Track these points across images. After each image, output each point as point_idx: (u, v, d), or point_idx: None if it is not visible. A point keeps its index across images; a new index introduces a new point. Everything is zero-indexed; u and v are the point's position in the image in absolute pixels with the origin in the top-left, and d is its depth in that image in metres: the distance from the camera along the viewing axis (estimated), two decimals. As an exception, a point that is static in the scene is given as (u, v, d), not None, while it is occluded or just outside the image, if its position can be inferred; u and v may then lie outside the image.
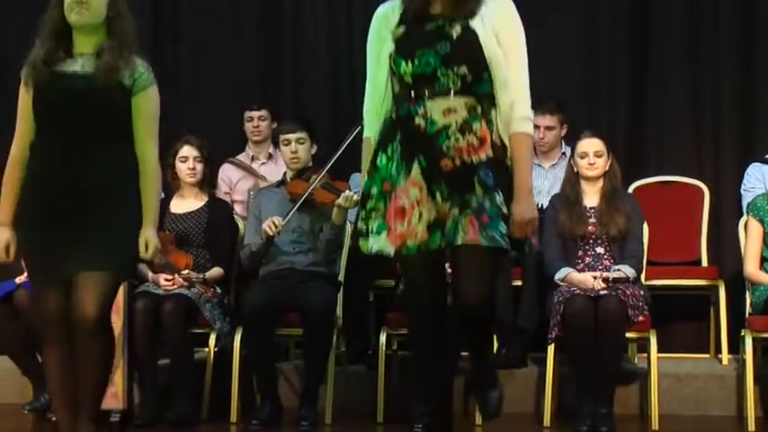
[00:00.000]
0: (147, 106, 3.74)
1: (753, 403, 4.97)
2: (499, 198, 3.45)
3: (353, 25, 6.59)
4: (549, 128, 5.78)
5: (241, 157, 6.26)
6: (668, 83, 6.31)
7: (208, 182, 5.54)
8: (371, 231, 3.54)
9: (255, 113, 6.20)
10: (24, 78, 3.74)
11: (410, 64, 3.51)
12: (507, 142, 3.52)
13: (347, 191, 5.27)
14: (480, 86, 3.51)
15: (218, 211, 5.52)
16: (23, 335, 5.29)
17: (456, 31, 3.50)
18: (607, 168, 5.16)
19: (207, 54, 6.73)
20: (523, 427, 5.13)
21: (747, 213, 5.25)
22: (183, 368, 5.10)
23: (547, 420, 5.02)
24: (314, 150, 5.46)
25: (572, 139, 5.55)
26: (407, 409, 4.93)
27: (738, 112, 6.22)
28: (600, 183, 5.15)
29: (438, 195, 3.47)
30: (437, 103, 3.49)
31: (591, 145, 5.13)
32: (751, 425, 4.92)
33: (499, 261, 3.71)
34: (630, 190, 5.93)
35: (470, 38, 3.49)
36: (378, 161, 3.56)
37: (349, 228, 5.42)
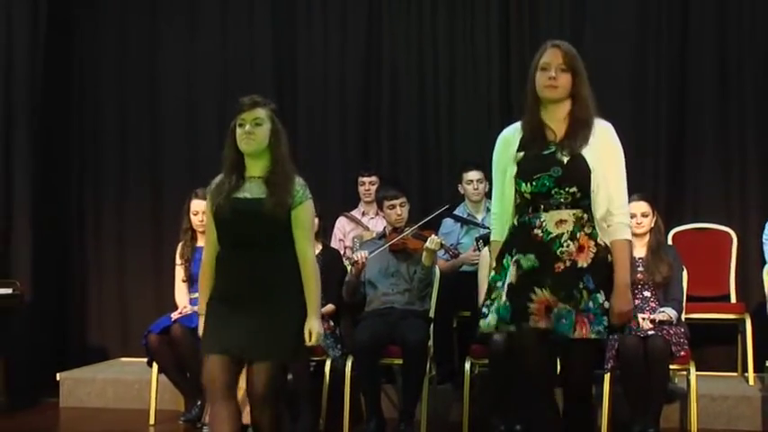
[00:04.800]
0: (304, 217, 3.77)
1: (776, 420, 5.02)
2: (601, 297, 3.49)
3: (439, 100, 6.65)
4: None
5: (354, 212, 6.35)
6: (702, 147, 6.29)
7: (321, 233, 5.63)
8: (493, 312, 3.57)
9: (367, 179, 6.26)
10: (208, 200, 3.84)
11: (529, 185, 3.54)
12: (608, 243, 3.53)
13: (433, 235, 5.37)
14: (586, 200, 3.53)
15: (330, 257, 5.60)
16: (177, 360, 5.47)
17: (566, 157, 3.52)
18: (652, 225, 5.17)
19: (318, 126, 6.83)
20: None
21: (771, 263, 5.24)
22: (305, 390, 5.18)
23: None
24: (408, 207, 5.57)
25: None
26: (487, 420, 5.06)
27: (761, 171, 6.19)
28: (646, 237, 5.16)
29: (546, 290, 3.48)
30: (551, 216, 3.52)
31: (638, 207, 5.13)
32: (774, 438, 4.94)
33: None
34: (671, 235, 5.95)
35: (579, 163, 3.51)
36: (505, 261, 3.59)
37: (437, 270, 5.51)
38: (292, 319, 3.74)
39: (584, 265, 3.49)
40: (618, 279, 3.51)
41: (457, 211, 6.05)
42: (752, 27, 6.22)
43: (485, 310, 3.60)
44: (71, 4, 7.03)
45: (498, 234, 3.69)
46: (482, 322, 3.61)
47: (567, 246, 3.50)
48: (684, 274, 5.26)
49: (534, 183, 3.53)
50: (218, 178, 3.85)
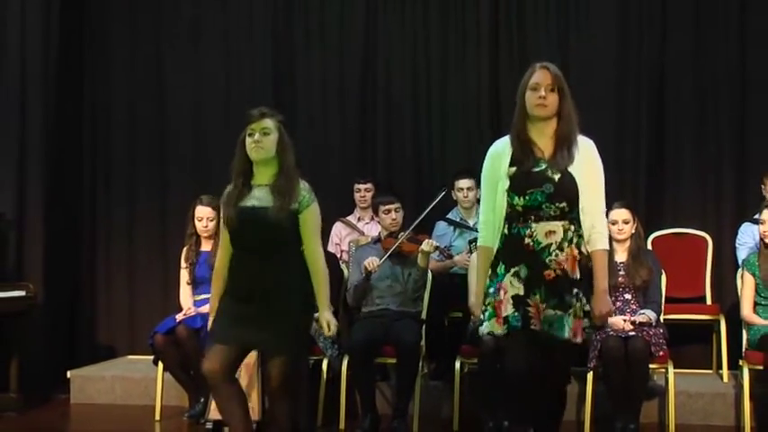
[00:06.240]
0: (311, 220, 3.87)
1: (749, 416, 5.07)
2: (588, 306, 3.61)
3: (432, 110, 6.66)
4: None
5: (350, 217, 6.35)
6: (681, 157, 6.32)
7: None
8: (486, 319, 3.65)
9: (363, 186, 6.27)
10: (222, 209, 3.91)
11: (522, 198, 3.60)
12: (588, 250, 3.62)
13: (427, 239, 5.41)
14: (573, 213, 3.61)
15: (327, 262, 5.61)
16: (182, 359, 5.47)
17: (557, 175, 3.59)
18: (633, 231, 5.19)
19: (316, 136, 6.80)
20: (567, 432, 5.19)
21: (743, 268, 5.24)
22: (303, 388, 5.08)
23: (586, 428, 5.08)
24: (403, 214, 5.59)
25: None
26: (476, 416, 5.07)
27: (735, 180, 6.22)
28: (627, 243, 5.18)
29: (537, 296, 3.57)
30: (541, 226, 3.59)
31: (620, 214, 5.17)
32: (747, 433, 5.00)
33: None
34: (650, 239, 5.96)
35: (568, 180, 3.59)
36: (498, 269, 3.65)
37: (430, 274, 5.53)
38: (298, 319, 3.81)
39: (577, 276, 3.58)
40: (597, 285, 3.61)
41: (450, 216, 6.08)
42: (727, 38, 6.25)
43: (482, 316, 3.67)
44: (82, 20, 7.01)
45: (485, 241, 3.73)
46: (480, 328, 3.70)
47: (556, 255, 3.58)
48: (663, 277, 5.31)
49: (527, 197, 3.60)
50: (229, 188, 3.91)
